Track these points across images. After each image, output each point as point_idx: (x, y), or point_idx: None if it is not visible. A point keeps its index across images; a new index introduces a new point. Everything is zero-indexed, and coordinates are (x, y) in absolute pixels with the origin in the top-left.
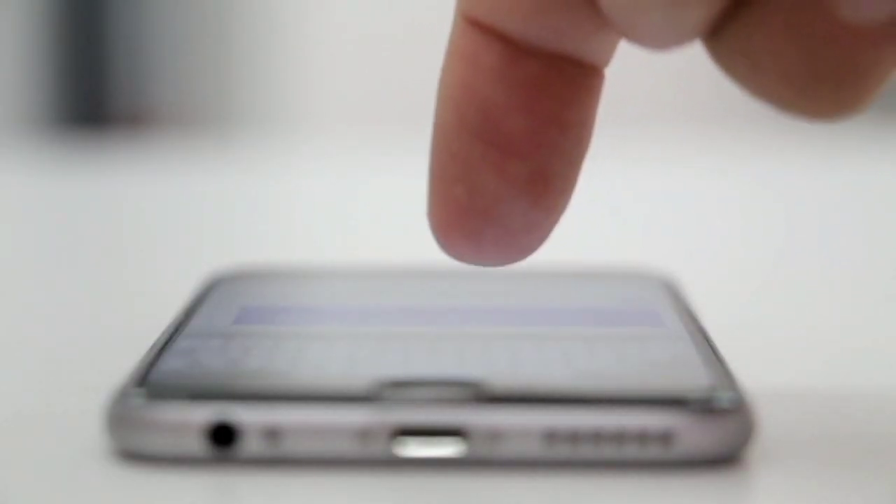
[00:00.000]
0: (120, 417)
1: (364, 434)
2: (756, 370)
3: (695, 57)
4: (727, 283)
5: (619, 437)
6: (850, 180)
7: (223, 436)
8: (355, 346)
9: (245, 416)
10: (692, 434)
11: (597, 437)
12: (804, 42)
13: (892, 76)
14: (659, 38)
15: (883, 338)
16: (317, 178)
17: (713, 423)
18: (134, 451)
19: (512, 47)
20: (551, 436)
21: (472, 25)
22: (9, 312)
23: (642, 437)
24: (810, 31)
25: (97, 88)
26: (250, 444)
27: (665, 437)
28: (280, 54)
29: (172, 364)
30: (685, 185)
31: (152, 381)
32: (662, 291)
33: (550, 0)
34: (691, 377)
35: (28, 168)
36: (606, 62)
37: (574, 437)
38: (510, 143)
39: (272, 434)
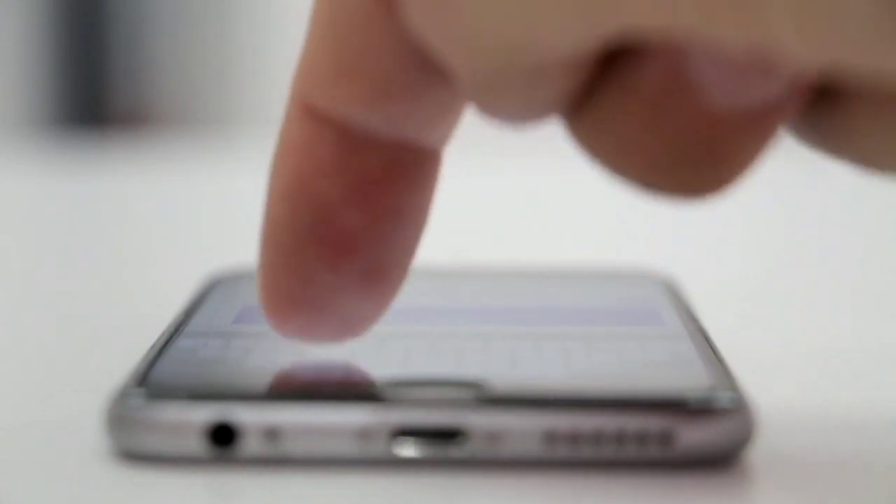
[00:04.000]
0: (120, 417)
1: (364, 434)
2: (756, 370)
3: None
4: (727, 284)
5: (619, 437)
6: (852, 181)
7: (223, 436)
8: (355, 346)
9: (245, 416)
10: (692, 434)
11: (597, 437)
12: (667, 127)
13: (758, 160)
14: (513, 117)
15: (883, 339)
16: None
17: (713, 423)
18: (134, 451)
19: (348, 138)
20: (551, 436)
21: (308, 114)
22: (9, 312)
23: (642, 437)
24: (674, 116)
25: (97, 88)
26: (250, 444)
27: (665, 437)
28: (280, 54)
29: (172, 364)
30: None
31: (152, 381)
32: (662, 291)
33: (396, 84)
34: (691, 377)
35: (28, 168)
36: (445, 145)
37: (574, 437)
38: (343, 240)
39: (272, 434)
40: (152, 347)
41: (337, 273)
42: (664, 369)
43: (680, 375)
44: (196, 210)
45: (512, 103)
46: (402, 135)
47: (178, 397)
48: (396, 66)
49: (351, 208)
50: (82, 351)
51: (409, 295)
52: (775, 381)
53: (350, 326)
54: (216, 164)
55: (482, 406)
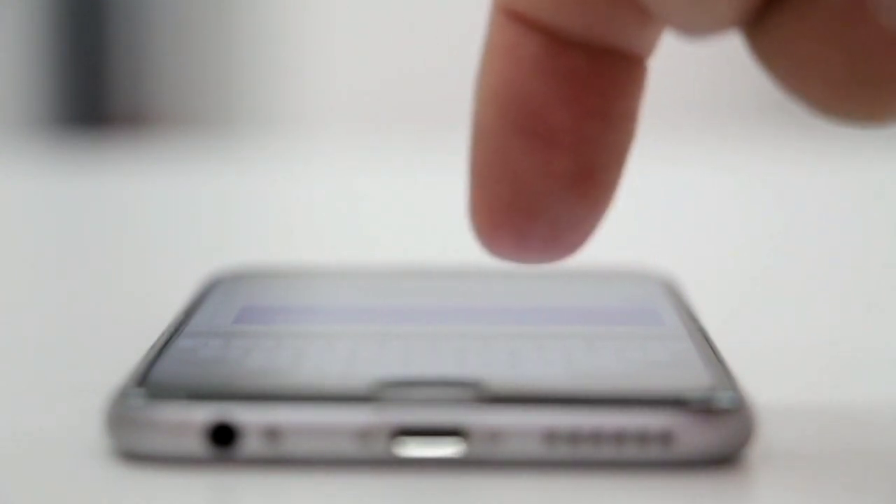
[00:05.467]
0: (120, 417)
1: (364, 434)
2: (756, 370)
3: (695, 56)
4: (727, 284)
5: (619, 437)
6: (851, 179)
7: (223, 436)
8: (355, 346)
9: (245, 416)
10: (692, 434)
11: (597, 437)
12: (847, 47)
13: None
14: (694, 26)
15: (883, 338)
16: (317, 178)
17: (713, 423)
18: (134, 451)
19: (553, 39)
20: (551, 436)
21: (511, 19)
22: (9, 312)
23: (642, 437)
24: (854, 36)
25: (97, 88)
26: (250, 444)
27: (665, 437)
28: (280, 54)
29: (172, 364)
30: (685, 184)
31: (152, 381)
32: (662, 291)
33: None
34: (691, 377)
35: (28, 168)
36: (650, 53)
37: (574, 437)
38: (554, 137)
39: (272, 434)
40: (152, 347)
41: (546, 172)
42: (664, 369)
43: (680, 375)
44: (196, 210)
45: (686, 15)
46: (603, 39)
47: (178, 397)
48: None
49: (558, 106)
50: (82, 351)
51: (409, 295)
52: (775, 381)
53: (561, 238)
54: (216, 164)
55: (482, 406)
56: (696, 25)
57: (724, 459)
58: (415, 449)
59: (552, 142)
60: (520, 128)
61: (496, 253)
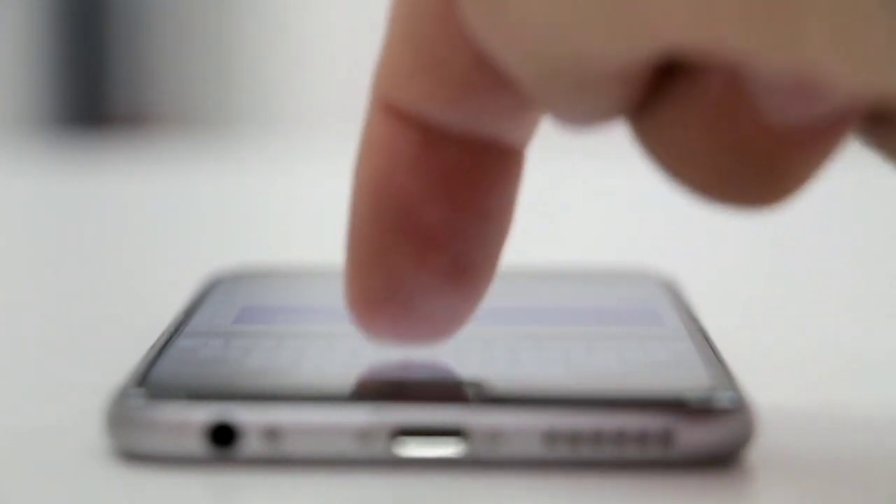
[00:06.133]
0: (120, 417)
1: (364, 434)
2: (756, 370)
3: None
4: (727, 284)
5: (619, 437)
6: (852, 180)
7: (223, 436)
8: (355, 346)
9: (245, 416)
10: (692, 434)
11: (597, 437)
12: (727, 138)
13: (816, 175)
14: (577, 116)
15: (883, 339)
16: (317, 178)
17: (713, 423)
18: (134, 451)
19: (429, 134)
20: (551, 436)
21: (388, 111)
22: (9, 312)
23: (642, 437)
24: (731, 129)
25: (97, 88)
26: (250, 444)
27: (665, 437)
28: (280, 54)
29: (172, 364)
30: None
31: (152, 381)
32: (662, 291)
33: (471, 83)
34: (691, 377)
35: (28, 168)
36: (526, 143)
37: (574, 437)
38: (427, 235)
39: (272, 434)
40: (152, 347)
41: (421, 270)
42: (664, 369)
43: (680, 375)
44: (196, 210)
45: (571, 107)
46: (481, 132)
47: (178, 397)
48: (469, 65)
49: (432, 204)
50: (82, 351)
51: None
52: (775, 381)
53: (437, 327)
54: (216, 164)
55: (482, 406)
56: (580, 115)
57: (724, 459)
58: (415, 449)
59: (426, 239)
60: (394, 225)
61: (370, 337)
